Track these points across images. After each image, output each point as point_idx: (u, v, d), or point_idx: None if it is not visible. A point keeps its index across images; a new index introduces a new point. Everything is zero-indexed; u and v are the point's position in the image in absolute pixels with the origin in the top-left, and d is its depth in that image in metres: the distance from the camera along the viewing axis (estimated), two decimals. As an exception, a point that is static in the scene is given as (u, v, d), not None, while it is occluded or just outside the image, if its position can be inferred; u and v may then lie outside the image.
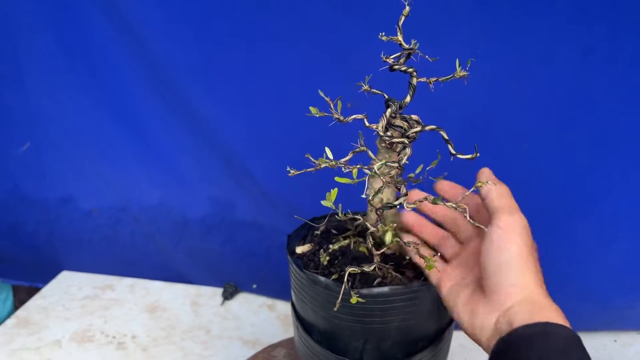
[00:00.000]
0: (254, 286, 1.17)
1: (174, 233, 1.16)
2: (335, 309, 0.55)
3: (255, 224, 1.12)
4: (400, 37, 0.56)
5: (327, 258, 0.63)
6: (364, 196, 0.59)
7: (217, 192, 1.10)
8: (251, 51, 0.95)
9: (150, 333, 1.05)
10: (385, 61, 0.57)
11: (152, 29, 0.96)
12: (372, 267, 0.55)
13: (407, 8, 0.54)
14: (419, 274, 0.61)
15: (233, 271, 1.18)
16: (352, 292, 0.54)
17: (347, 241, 0.67)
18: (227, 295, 1.16)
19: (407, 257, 0.64)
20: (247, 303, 1.16)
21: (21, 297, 1.29)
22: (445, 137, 0.58)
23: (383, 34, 0.56)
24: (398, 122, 0.58)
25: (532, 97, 0.91)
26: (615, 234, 0.93)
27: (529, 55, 0.89)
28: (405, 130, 0.58)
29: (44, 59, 1.05)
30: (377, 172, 0.55)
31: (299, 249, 0.67)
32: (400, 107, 0.58)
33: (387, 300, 0.56)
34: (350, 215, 0.59)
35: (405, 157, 0.57)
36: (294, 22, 0.92)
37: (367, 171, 0.56)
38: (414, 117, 0.60)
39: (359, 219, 0.60)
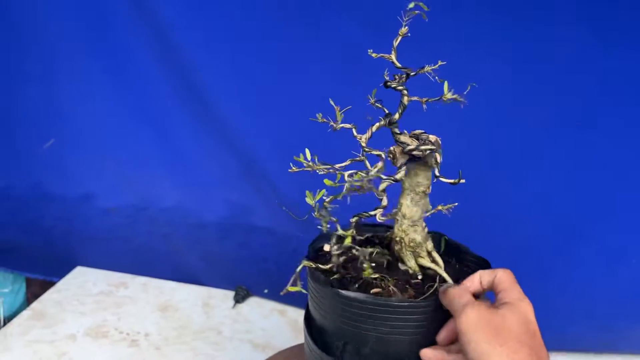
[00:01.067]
0: (266, 291, 1.20)
1: (190, 235, 1.18)
2: (282, 293, 0.59)
3: (270, 229, 1.15)
4: (393, 57, 0.58)
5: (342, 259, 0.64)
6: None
7: (234, 197, 1.13)
8: (280, 63, 0.98)
9: (162, 332, 1.07)
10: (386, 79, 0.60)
11: (183, 35, 0.99)
12: (328, 266, 0.60)
13: (405, 29, 0.57)
14: (420, 294, 0.61)
15: (246, 275, 1.20)
16: (332, 289, 0.57)
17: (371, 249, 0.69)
18: (239, 299, 1.19)
19: (419, 277, 0.64)
20: (258, 307, 1.18)
21: (34, 290, 1.31)
22: (438, 159, 0.59)
23: (371, 50, 0.59)
24: (404, 138, 0.59)
25: (545, 120, 0.94)
26: (619, 256, 0.96)
27: (543, 78, 0.92)
28: (405, 146, 0.59)
29: (74, 60, 1.08)
30: (347, 179, 0.58)
31: (327, 247, 0.68)
32: (390, 123, 0.60)
33: (363, 307, 0.56)
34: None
35: (375, 169, 0.58)
36: (324, 39, 0.95)
37: (348, 179, 0.59)
38: (432, 137, 0.60)
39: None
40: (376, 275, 0.59)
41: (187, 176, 1.14)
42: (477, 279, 0.56)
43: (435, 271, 0.62)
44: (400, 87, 0.59)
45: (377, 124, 0.61)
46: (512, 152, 0.96)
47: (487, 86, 0.93)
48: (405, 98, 0.60)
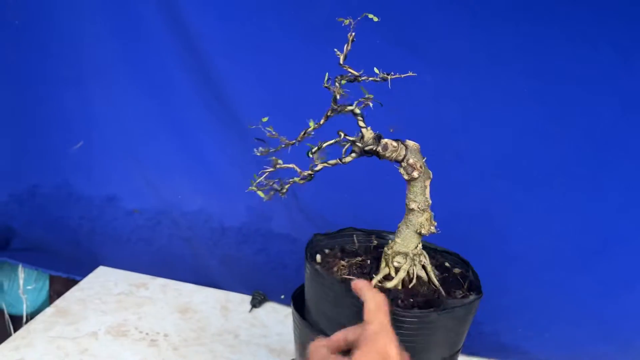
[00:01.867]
0: (282, 297, 1.21)
1: (211, 239, 1.20)
2: None
3: (289, 236, 1.16)
4: (348, 68, 0.64)
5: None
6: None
7: (256, 203, 1.15)
8: (303, 75, 1.00)
9: (181, 333, 1.09)
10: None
11: (213, 47, 1.02)
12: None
13: (352, 34, 0.62)
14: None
15: (263, 280, 1.22)
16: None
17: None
18: (256, 303, 1.20)
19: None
20: (274, 312, 1.20)
21: (57, 287, 1.34)
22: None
23: (337, 50, 0.65)
24: (365, 131, 0.63)
25: (568, 138, 0.95)
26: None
27: (567, 98, 0.93)
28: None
29: (106, 66, 1.12)
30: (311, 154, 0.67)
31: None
32: (358, 141, 0.64)
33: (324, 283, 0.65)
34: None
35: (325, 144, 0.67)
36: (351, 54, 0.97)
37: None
38: (410, 142, 0.64)
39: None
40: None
41: (209, 181, 1.16)
42: (341, 337, 0.54)
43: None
44: (356, 110, 0.64)
45: (328, 142, 0.68)
46: (535, 164, 0.97)
47: (506, 101, 0.95)
48: (360, 122, 0.64)
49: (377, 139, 0.63)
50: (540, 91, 0.93)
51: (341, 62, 0.65)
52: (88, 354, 1.00)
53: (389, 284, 0.66)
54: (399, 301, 0.63)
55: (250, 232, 1.18)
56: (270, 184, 0.70)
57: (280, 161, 0.69)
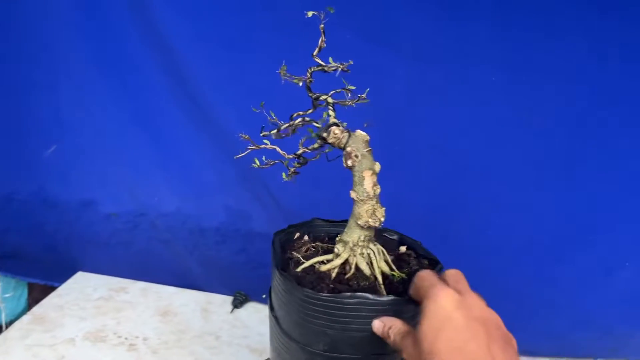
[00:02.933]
0: (264, 296, 1.19)
1: (189, 241, 1.19)
2: None
3: (268, 235, 1.13)
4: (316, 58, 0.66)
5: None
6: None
7: (233, 203, 1.14)
8: (276, 68, 0.99)
9: (161, 336, 1.08)
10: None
11: (184, 46, 1.01)
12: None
13: (322, 25, 0.64)
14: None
15: (244, 280, 1.20)
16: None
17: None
18: (237, 304, 1.19)
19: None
20: (256, 312, 1.19)
21: (36, 295, 1.32)
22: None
23: (316, 53, 0.66)
24: (336, 132, 0.64)
25: (541, 129, 0.95)
26: (618, 262, 0.96)
27: (539, 89, 0.93)
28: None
29: (78, 68, 1.10)
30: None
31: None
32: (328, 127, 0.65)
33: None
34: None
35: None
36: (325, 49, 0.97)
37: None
38: (358, 132, 0.64)
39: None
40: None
41: (186, 182, 1.15)
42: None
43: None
44: (329, 99, 0.67)
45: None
46: (507, 158, 0.97)
47: (481, 94, 0.95)
48: (330, 111, 0.67)
49: (329, 126, 0.63)
50: (511, 83, 0.92)
51: (315, 53, 0.65)
52: (65, 361, 0.99)
53: (323, 267, 0.66)
54: (313, 284, 0.63)
55: (229, 233, 1.17)
56: (271, 163, 0.72)
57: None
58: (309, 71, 0.66)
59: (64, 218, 1.22)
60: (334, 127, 0.64)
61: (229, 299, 1.22)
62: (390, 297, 0.58)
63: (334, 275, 0.65)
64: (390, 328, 0.56)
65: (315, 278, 0.65)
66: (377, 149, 0.66)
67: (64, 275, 1.28)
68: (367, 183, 0.63)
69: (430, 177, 1.01)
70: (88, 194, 1.20)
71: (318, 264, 0.67)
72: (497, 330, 0.49)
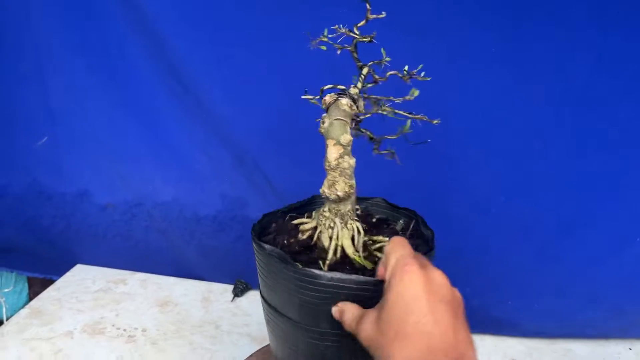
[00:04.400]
0: (264, 284, 1.18)
1: (187, 229, 1.17)
2: None
3: (266, 222, 1.13)
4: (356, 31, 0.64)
5: None
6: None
7: (229, 190, 1.12)
8: (268, 52, 0.96)
9: (160, 327, 1.06)
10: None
11: (170, 29, 0.98)
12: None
13: (368, 7, 0.62)
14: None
15: (244, 269, 1.18)
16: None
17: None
18: (238, 292, 1.17)
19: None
20: (257, 300, 1.15)
21: (36, 289, 1.31)
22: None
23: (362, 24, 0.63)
24: (326, 98, 0.64)
25: (545, 100, 0.91)
26: (628, 239, 0.92)
27: (542, 58, 0.89)
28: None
29: (65, 58, 1.08)
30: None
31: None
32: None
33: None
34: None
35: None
36: (312, 24, 0.93)
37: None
38: (343, 101, 0.63)
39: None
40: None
41: (181, 170, 1.12)
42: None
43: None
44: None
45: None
46: (511, 131, 0.93)
47: (475, 69, 0.91)
48: (365, 69, 0.64)
49: (322, 91, 0.64)
50: (512, 52, 0.88)
51: (361, 24, 0.63)
52: (62, 354, 0.97)
53: (296, 221, 0.68)
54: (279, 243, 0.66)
55: (227, 220, 1.15)
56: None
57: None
58: (354, 41, 0.64)
59: (60, 210, 1.20)
60: (328, 94, 0.62)
61: (229, 287, 1.20)
62: (316, 271, 0.56)
63: (304, 237, 0.66)
64: (343, 313, 0.55)
65: (290, 243, 0.65)
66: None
67: (63, 268, 1.27)
68: (329, 153, 0.62)
69: (430, 155, 0.97)
70: (82, 185, 1.19)
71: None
72: (460, 309, 0.49)
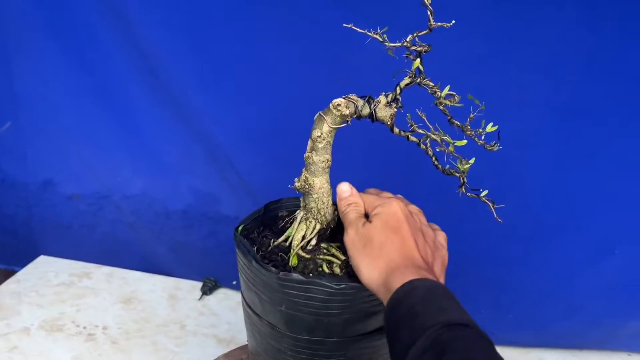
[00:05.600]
0: (234, 282, 1.14)
1: (156, 224, 1.13)
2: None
3: (238, 219, 1.07)
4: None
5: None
6: None
7: (200, 185, 1.07)
8: (241, 43, 0.92)
9: (123, 325, 1.02)
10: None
11: (143, 15, 0.93)
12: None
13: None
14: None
15: (214, 266, 1.14)
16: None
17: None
18: (206, 290, 1.13)
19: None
20: (226, 299, 1.13)
21: (-1, 279, 1.27)
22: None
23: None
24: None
25: (529, 104, 0.87)
26: (606, 251, 0.89)
27: (529, 60, 0.85)
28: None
29: (32, 40, 1.02)
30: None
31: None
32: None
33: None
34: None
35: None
36: (287, 16, 0.89)
37: None
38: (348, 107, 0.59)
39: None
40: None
41: (150, 162, 1.08)
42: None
43: None
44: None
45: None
46: (502, 137, 0.89)
47: (463, 67, 0.87)
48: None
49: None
50: (496, 54, 0.84)
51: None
52: (17, 352, 0.93)
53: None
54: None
55: (197, 216, 1.10)
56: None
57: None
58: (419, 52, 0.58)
59: (23, 200, 1.15)
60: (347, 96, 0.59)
61: (198, 284, 1.16)
62: (252, 262, 0.58)
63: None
64: (353, 204, 0.60)
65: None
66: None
67: (27, 259, 1.21)
68: (308, 146, 0.61)
69: (405, 158, 0.94)
70: (47, 174, 1.14)
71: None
72: (437, 245, 0.60)
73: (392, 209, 0.57)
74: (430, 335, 0.43)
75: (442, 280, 0.57)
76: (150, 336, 1.00)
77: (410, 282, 0.49)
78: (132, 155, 1.08)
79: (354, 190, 0.62)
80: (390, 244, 0.54)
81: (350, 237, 0.57)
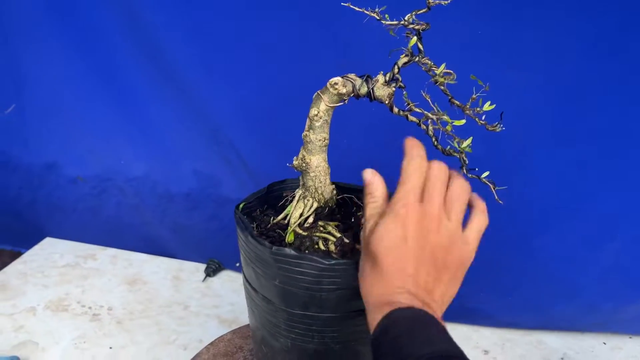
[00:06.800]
0: (237, 264, 1.15)
1: (159, 206, 1.13)
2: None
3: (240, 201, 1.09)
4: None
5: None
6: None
7: (203, 167, 1.08)
8: (242, 24, 0.91)
9: (127, 306, 1.03)
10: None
11: None
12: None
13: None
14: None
15: (217, 248, 1.15)
16: None
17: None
18: (210, 272, 1.14)
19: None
20: (230, 281, 1.14)
21: (5, 260, 1.28)
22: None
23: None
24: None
25: (530, 87, 0.86)
26: (606, 235, 0.89)
27: (528, 45, 0.84)
28: None
29: (33, 21, 1.02)
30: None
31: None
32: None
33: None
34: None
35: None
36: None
37: None
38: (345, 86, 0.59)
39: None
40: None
41: (153, 145, 1.08)
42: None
43: None
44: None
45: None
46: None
47: (465, 49, 0.86)
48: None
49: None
50: (499, 35, 0.83)
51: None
52: (23, 331, 0.94)
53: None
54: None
55: (201, 198, 1.11)
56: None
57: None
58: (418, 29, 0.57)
59: (27, 182, 1.16)
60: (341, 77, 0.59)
61: (202, 266, 1.17)
62: (249, 237, 0.59)
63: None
64: (369, 196, 0.55)
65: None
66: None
67: (33, 241, 1.23)
68: (306, 124, 0.61)
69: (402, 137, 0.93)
70: (51, 157, 1.14)
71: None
72: (444, 260, 0.52)
73: (395, 221, 0.51)
74: None
75: (450, 290, 0.53)
76: (154, 316, 1.01)
77: (398, 310, 0.47)
78: (134, 138, 1.08)
79: (376, 179, 0.56)
80: (387, 265, 0.50)
81: (362, 237, 0.54)
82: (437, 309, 0.50)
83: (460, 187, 0.54)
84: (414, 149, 0.54)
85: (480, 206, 0.56)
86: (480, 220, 0.55)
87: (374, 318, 0.48)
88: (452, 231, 0.52)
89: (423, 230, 0.50)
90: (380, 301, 0.49)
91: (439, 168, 0.53)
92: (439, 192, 0.52)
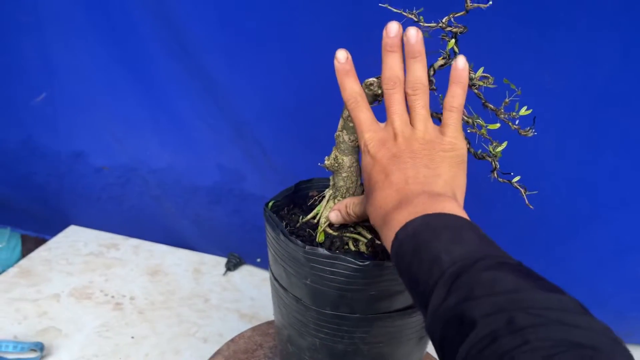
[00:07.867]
0: (258, 260, 1.15)
1: (182, 198, 1.14)
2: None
3: (263, 197, 1.08)
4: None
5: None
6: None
7: (227, 161, 1.08)
8: (271, 19, 0.91)
9: (149, 296, 1.04)
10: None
11: None
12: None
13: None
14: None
15: (238, 243, 1.16)
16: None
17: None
18: (230, 266, 1.15)
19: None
20: (250, 276, 1.14)
21: (29, 246, 1.30)
22: None
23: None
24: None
25: (564, 93, 0.85)
26: (634, 244, 0.87)
27: (565, 46, 0.82)
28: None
29: (65, 11, 1.02)
30: None
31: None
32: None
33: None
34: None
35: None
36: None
37: None
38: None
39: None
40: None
41: (178, 137, 1.08)
42: None
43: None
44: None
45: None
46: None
47: (495, 52, 0.85)
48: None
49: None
50: (532, 39, 0.82)
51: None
52: (47, 317, 0.96)
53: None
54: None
55: (223, 193, 1.11)
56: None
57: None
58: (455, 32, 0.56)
59: (54, 169, 1.17)
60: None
61: (222, 260, 1.18)
62: (280, 235, 0.58)
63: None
64: (345, 207, 0.59)
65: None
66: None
67: (57, 228, 1.25)
68: (339, 124, 0.61)
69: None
70: (78, 145, 1.15)
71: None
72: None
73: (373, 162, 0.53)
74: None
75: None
76: (175, 308, 1.02)
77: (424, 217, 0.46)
78: (160, 129, 1.09)
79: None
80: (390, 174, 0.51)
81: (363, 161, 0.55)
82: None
83: (418, 84, 0.54)
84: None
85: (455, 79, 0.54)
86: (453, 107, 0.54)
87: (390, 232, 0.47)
88: (423, 140, 0.53)
89: (392, 159, 0.52)
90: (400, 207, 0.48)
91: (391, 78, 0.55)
92: (398, 112, 0.54)
